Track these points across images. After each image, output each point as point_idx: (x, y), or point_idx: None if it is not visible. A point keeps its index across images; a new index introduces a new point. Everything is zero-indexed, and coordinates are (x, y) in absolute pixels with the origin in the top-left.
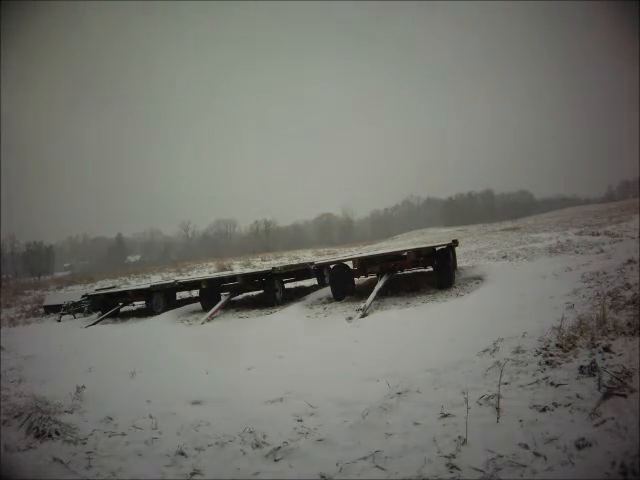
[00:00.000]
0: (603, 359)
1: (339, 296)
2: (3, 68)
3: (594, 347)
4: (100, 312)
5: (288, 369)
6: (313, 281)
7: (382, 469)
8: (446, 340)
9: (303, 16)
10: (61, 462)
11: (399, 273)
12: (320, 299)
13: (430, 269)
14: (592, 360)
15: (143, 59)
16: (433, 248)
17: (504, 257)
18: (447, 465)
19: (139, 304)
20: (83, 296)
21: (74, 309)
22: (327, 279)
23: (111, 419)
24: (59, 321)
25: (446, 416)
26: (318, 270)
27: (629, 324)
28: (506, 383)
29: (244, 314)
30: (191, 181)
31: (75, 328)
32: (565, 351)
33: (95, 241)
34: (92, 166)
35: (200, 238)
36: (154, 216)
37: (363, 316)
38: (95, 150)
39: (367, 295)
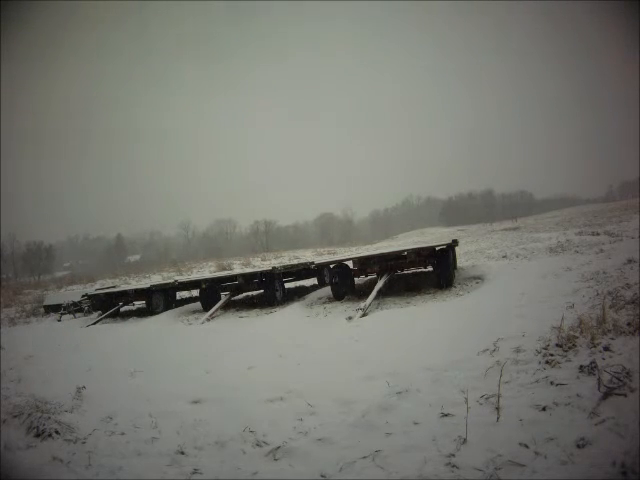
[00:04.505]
0: (603, 358)
1: (339, 296)
2: (3, 68)
3: (594, 347)
4: (100, 312)
5: (288, 368)
6: (313, 281)
7: (382, 468)
8: (446, 339)
9: (305, 14)
10: (61, 461)
11: (399, 273)
12: (320, 299)
13: (430, 269)
14: (592, 360)
15: (143, 59)
16: (433, 248)
17: (504, 257)
18: (447, 464)
19: (139, 304)
20: (83, 296)
21: (74, 309)
22: (327, 279)
23: (111, 418)
24: (59, 321)
25: (446, 415)
26: (318, 270)
27: (629, 324)
28: (506, 382)
29: (244, 314)
30: (191, 181)
31: (75, 328)
32: (565, 350)
33: (95, 241)
34: (92, 166)
35: (200, 238)
36: (154, 216)
37: (363, 315)
38: (95, 150)
39: (367, 295)
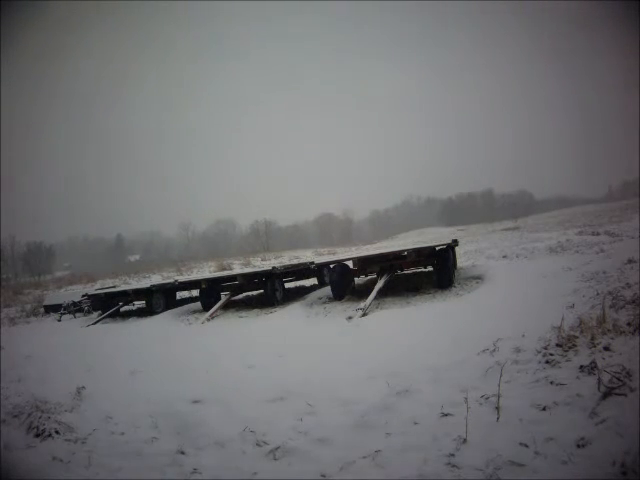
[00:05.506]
0: (603, 358)
1: (339, 296)
2: (4, 68)
3: (594, 346)
4: (100, 312)
5: (288, 368)
6: (313, 281)
7: (382, 468)
8: (446, 339)
9: (302, 12)
10: (61, 461)
11: (399, 273)
12: (320, 299)
13: (430, 269)
14: (592, 359)
15: (143, 59)
16: (433, 248)
17: (504, 257)
18: (447, 464)
19: (139, 304)
20: (83, 295)
21: (74, 309)
22: (327, 279)
23: (111, 418)
24: (59, 320)
25: (446, 415)
26: (318, 270)
27: (629, 323)
28: (506, 382)
29: (244, 314)
30: (191, 181)
31: (75, 328)
32: (565, 350)
33: (95, 241)
34: (92, 166)
35: (200, 238)
36: (154, 216)
37: (363, 315)
38: (95, 150)
39: (367, 295)
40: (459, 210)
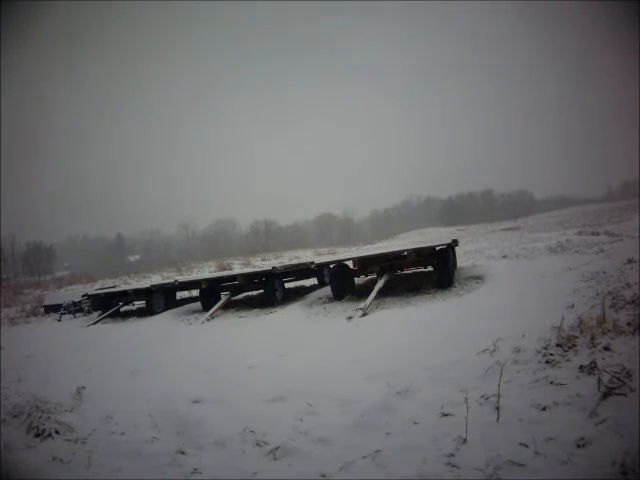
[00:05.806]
0: (603, 358)
1: (339, 296)
2: (4, 68)
3: (594, 346)
4: (100, 312)
5: (288, 368)
6: (313, 281)
7: (382, 468)
8: (446, 339)
9: (303, 12)
10: (61, 461)
11: (399, 273)
12: (320, 299)
13: (430, 269)
14: (592, 359)
15: (141, 59)
16: (433, 248)
17: (504, 257)
18: (447, 464)
19: (139, 304)
20: (83, 295)
21: (74, 309)
22: (327, 279)
23: (111, 418)
24: (59, 320)
25: (446, 415)
26: (318, 270)
27: (629, 323)
28: (506, 382)
29: (244, 314)
30: (191, 181)
31: (75, 328)
32: (565, 350)
33: (95, 241)
34: (92, 166)
35: (200, 238)
36: (154, 216)
37: (363, 315)
38: (95, 150)
39: (367, 295)
40: (459, 210)
